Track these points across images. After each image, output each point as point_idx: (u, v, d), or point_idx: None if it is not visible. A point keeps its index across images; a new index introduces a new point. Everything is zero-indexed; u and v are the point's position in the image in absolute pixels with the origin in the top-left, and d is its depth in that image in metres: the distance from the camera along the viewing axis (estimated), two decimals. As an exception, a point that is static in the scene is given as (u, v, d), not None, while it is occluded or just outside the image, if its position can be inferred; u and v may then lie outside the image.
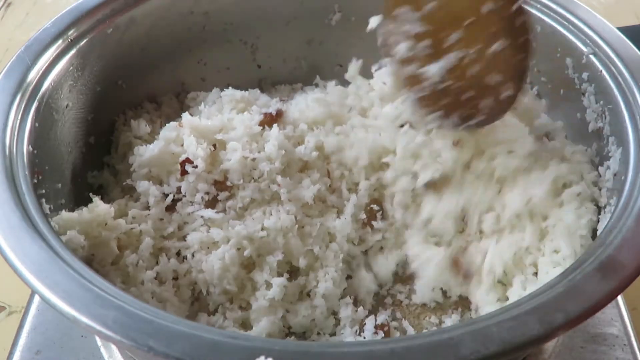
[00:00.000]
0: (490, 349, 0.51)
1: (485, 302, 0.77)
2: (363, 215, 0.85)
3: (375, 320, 0.78)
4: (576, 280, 0.57)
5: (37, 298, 0.84)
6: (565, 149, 0.83)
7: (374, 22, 0.82)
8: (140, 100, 0.97)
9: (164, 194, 0.81)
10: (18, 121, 0.72)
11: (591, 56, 0.81)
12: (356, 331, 0.77)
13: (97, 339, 0.80)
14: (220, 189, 0.81)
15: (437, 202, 0.82)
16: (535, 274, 0.76)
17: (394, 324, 0.79)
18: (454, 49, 0.71)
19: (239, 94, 0.94)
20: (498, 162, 0.79)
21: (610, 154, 0.77)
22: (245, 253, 0.77)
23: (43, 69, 0.78)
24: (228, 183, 0.81)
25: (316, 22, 1.03)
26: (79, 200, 0.80)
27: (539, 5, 0.88)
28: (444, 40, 0.71)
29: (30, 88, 0.75)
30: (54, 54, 0.80)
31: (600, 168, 0.79)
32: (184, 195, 0.81)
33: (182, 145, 0.83)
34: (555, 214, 0.77)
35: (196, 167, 0.80)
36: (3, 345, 0.83)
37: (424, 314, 0.81)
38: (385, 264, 0.84)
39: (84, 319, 0.53)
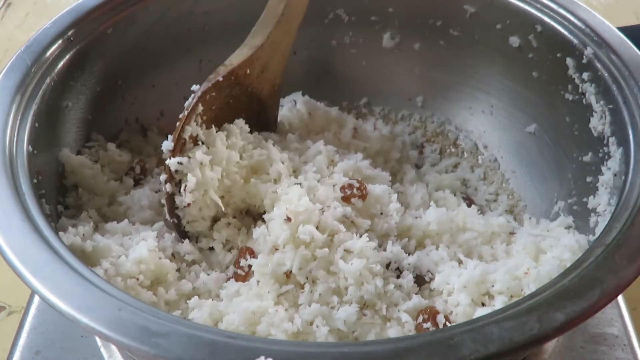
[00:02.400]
0: (490, 349, 0.51)
1: None
2: None
3: None
4: (576, 280, 0.57)
5: (37, 298, 0.84)
6: None
7: None
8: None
9: None
10: (18, 121, 0.72)
11: (591, 56, 0.81)
12: None
13: (97, 339, 0.80)
14: None
15: None
16: None
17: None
18: None
19: None
20: None
21: (610, 154, 0.77)
22: None
23: (43, 69, 0.78)
24: None
25: (317, 21, 1.03)
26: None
27: (539, 5, 0.88)
28: None
29: (30, 88, 0.75)
30: (54, 54, 0.80)
31: (600, 168, 0.79)
32: None
33: None
34: None
35: None
36: (3, 345, 0.83)
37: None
38: None
39: (84, 319, 0.53)
